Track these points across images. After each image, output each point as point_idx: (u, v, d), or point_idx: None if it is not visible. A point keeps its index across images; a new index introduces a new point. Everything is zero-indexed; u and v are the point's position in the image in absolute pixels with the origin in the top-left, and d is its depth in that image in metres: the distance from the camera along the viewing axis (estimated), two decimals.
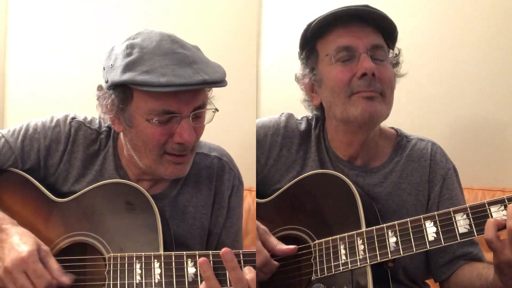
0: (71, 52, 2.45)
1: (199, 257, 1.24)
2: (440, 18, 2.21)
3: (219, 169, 1.52)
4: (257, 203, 1.53)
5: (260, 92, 2.46)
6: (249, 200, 2.19)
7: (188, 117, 1.32)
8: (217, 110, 1.39)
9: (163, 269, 1.25)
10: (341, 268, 1.33)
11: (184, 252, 1.26)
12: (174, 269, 1.26)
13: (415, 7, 2.24)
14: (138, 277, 1.26)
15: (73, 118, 1.49)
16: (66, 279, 1.26)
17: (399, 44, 1.51)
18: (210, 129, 2.32)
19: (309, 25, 1.47)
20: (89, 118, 1.50)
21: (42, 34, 2.49)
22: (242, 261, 1.23)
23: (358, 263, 1.32)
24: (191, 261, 1.25)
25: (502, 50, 2.12)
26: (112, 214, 1.35)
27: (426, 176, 1.51)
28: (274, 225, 1.46)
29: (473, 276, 1.39)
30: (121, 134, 1.43)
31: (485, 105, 2.15)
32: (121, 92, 1.32)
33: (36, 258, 1.23)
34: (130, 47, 1.31)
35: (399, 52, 1.51)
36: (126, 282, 1.26)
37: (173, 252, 1.27)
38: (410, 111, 2.16)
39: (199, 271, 1.23)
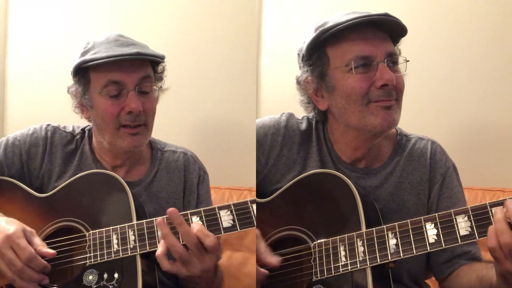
0: (72, 53, 2.44)
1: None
2: (443, 19, 2.21)
3: (186, 161, 1.70)
4: (257, 203, 1.52)
5: (260, 92, 2.45)
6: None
7: (133, 90, 1.51)
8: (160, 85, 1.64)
9: (136, 236, 1.41)
10: (340, 269, 1.33)
11: (154, 219, 1.40)
12: (146, 234, 1.41)
13: (417, 7, 2.24)
14: (115, 246, 1.41)
15: (48, 125, 1.66)
16: (49, 251, 1.38)
17: (402, 43, 1.51)
18: (210, 129, 2.35)
19: (322, 31, 1.43)
20: (62, 125, 1.68)
21: (42, 34, 2.49)
22: (203, 217, 1.39)
23: (358, 265, 1.31)
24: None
25: (502, 51, 2.12)
26: (91, 200, 1.50)
27: (426, 175, 1.51)
28: (274, 225, 1.46)
29: (471, 278, 1.39)
30: (93, 129, 1.64)
31: (485, 106, 2.14)
32: (81, 77, 1.56)
33: (20, 235, 1.35)
34: (87, 43, 1.59)
35: (400, 53, 1.49)
36: (105, 251, 1.42)
37: (144, 220, 1.42)
38: (411, 111, 2.14)
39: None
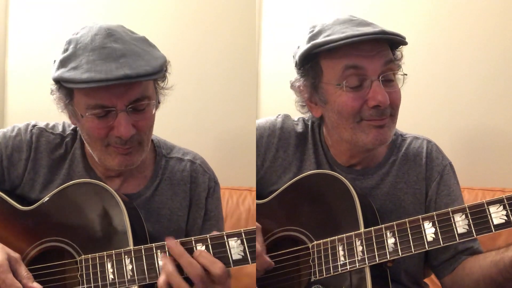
0: None
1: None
2: (445, 20, 2.21)
3: (193, 172, 1.51)
4: (257, 204, 1.52)
5: (260, 92, 2.46)
6: (249, 200, 2.19)
7: (124, 111, 1.29)
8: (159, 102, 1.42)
9: (134, 264, 1.24)
10: (339, 269, 1.33)
11: (153, 244, 1.25)
12: (145, 265, 1.24)
13: (419, 10, 2.24)
14: (111, 276, 1.25)
15: (34, 126, 1.46)
16: (35, 285, 1.24)
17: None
18: (210, 129, 2.35)
19: (314, 46, 1.38)
20: (51, 124, 1.49)
21: (42, 34, 2.50)
22: (210, 245, 1.23)
23: (357, 264, 1.31)
24: (161, 252, 1.24)
25: (502, 52, 2.12)
26: (81, 216, 1.33)
27: (422, 174, 1.50)
28: (272, 226, 1.45)
29: (484, 265, 1.36)
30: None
31: (485, 106, 2.14)
32: (63, 88, 1.33)
33: (5, 268, 1.22)
34: (68, 43, 1.34)
35: (402, 55, 1.47)
36: (100, 283, 1.25)
37: (142, 246, 1.26)
38: (410, 113, 2.15)
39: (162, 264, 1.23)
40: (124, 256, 1.25)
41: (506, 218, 1.20)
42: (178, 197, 1.48)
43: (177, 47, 2.08)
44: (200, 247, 1.22)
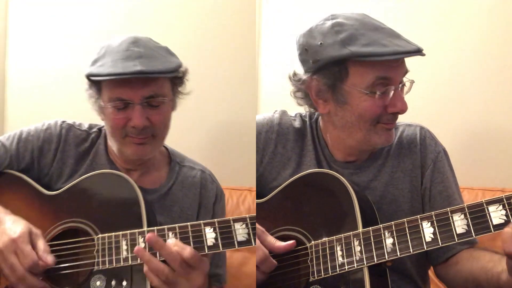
0: (72, 52, 2.45)
1: (179, 229, 1.35)
2: (445, 20, 2.21)
3: (203, 179, 1.66)
4: (257, 204, 1.52)
5: (260, 92, 2.45)
6: (249, 200, 2.19)
7: (140, 105, 1.47)
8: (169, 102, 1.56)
9: (147, 244, 1.34)
10: (338, 269, 1.33)
11: (165, 226, 1.36)
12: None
13: (422, 9, 2.24)
14: (124, 253, 1.37)
15: (63, 121, 1.62)
16: (49, 259, 1.33)
17: None
18: (211, 129, 2.34)
19: (355, 54, 1.37)
20: (78, 122, 1.65)
21: (43, 34, 2.50)
22: (217, 228, 1.35)
23: (355, 264, 1.31)
24: (172, 233, 1.35)
25: (503, 52, 2.12)
26: (101, 201, 1.46)
27: (417, 161, 1.51)
28: (270, 225, 1.45)
29: (475, 268, 1.38)
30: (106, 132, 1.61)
31: (486, 106, 2.14)
32: (94, 86, 1.52)
33: (25, 239, 1.32)
34: (101, 47, 1.54)
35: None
36: (114, 257, 1.37)
37: (155, 227, 1.37)
38: (412, 112, 2.15)
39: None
40: (138, 236, 1.38)
41: (505, 218, 1.19)
42: (188, 199, 1.62)
43: (177, 47, 2.06)
44: (209, 230, 1.34)
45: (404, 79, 1.44)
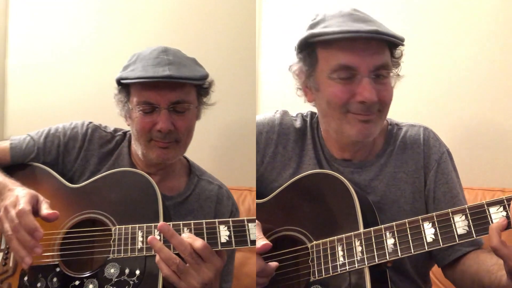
0: (72, 52, 2.45)
1: (194, 225, 1.39)
2: (444, 17, 2.21)
3: (220, 194, 1.71)
4: (257, 204, 1.52)
5: (260, 92, 2.45)
6: (249, 200, 2.19)
7: (166, 109, 1.53)
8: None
9: (162, 236, 1.38)
10: (338, 269, 1.33)
11: (181, 222, 1.40)
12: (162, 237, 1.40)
13: (419, 7, 2.24)
14: (140, 244, 1.42)
15: (90, 122, 1.69)
16: (49, 211, 1.35)
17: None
18: (211, 129, 2.34)
19: (312, 35, 1.40)
20: (103, 125, 1.71)
21: (42, 34, 2.50)
22: (231, 227, 1.39)
23: (356, 265, 1.31)
24: (187, 229, 1.39)
25: (503, 51, 2.12)
26: (120, 196, 1.52)
27: (421, 162, 1.50)
28: (272, 226, 1.45)
29: (481, 269, 1.37)
30: (131, 136, 1.66)
31: (485, 106, 2.14)
32: (123, 90, 1.60)
33: (28, 199, 1.36)
34: (133, 55, 1.61)
35: (401, 54, 1.47)
36: (129, 247, 1.43)
37: (170, 222, 1.41)
38: (410, 111, 2.16)
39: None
40: (154, 229, 1.42)
41: (506, 219, 1.19)
42: (203, 211, 1.67)
43: (176, 47, 2.06)
44: (223, 228, 1.38)
45: (396, 72, 1.44)
